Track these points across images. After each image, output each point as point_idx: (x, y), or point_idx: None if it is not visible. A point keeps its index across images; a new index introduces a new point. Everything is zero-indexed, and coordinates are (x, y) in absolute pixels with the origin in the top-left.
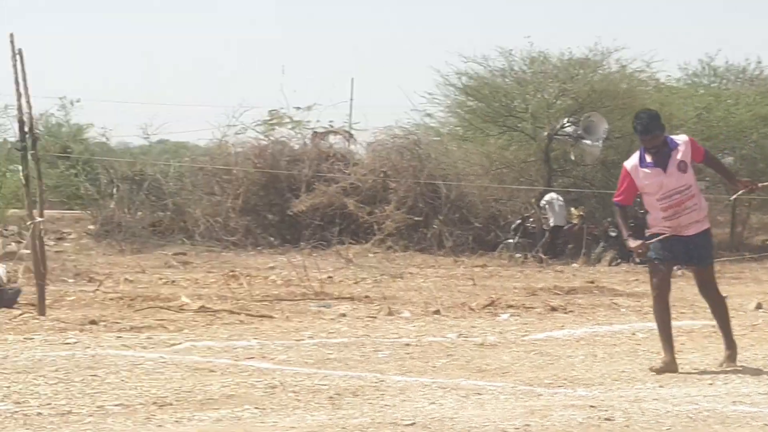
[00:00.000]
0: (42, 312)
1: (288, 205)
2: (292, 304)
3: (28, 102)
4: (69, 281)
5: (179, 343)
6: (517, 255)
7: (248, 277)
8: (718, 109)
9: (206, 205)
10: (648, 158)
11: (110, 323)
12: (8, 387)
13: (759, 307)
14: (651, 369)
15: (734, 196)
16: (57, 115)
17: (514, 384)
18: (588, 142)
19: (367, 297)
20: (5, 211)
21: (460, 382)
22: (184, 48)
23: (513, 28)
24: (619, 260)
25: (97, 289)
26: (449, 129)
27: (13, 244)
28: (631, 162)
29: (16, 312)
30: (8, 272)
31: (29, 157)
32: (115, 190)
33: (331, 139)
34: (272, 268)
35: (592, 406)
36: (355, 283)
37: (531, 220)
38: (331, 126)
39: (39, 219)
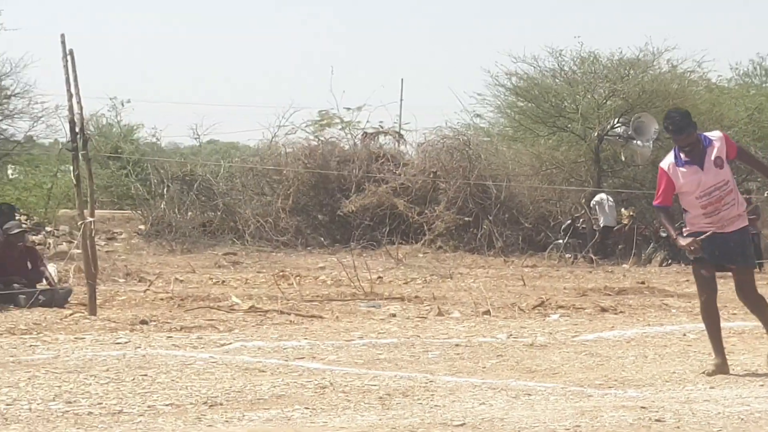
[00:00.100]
0: (93, 312)
1: (338, 206)
2: (342, 304)
3: (79, 103)
4: (120, 281)
5: (229, 343)
6: (567, 255)
7: (298, 277)
8: None
9: (256, 206)
10: (683, 156)
11: (161, 323)
12: (59, 386)
13: None
14: (704, 373)
15: None
16: (108, 116)
17: (564, 385)
18: (638, 142)
19: (417, 297)
20: (57, 211)
21: (510, 383)
22: (234, 49)
23: (563, 28)
24: (670, 261)
25: (147, 289)
26: (499, 129)
27: (64, 244)
28: (667, 162)
29: (68, 312)
30: (59, 272)
31: (80, 157)
32: (165, 191)
33: (381, 139)
34: (322, 268)
35: (642, 408)
36: (405, 283)
37: (581, 220)
38: (381, 126)
39: (90, 219)
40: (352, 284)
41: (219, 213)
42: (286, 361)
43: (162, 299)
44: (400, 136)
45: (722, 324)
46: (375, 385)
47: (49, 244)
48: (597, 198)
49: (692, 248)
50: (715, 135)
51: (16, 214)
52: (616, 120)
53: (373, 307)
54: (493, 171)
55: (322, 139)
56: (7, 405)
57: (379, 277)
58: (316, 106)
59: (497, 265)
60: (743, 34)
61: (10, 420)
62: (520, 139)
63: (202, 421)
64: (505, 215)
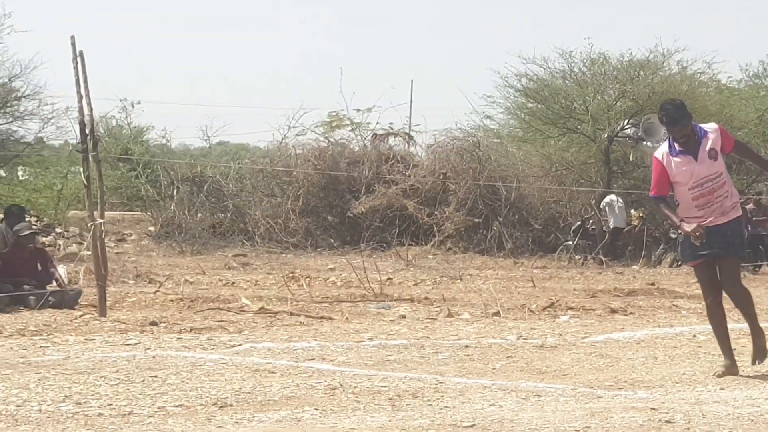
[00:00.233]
0: (103, 313)
1: (348, 207)
2: (352, 305)
3: (89, 104)
4: (130, 282)
5: (239, 345)
6: (577, 257)
7: (308, 279)
8: None
9: (266, 207)
10: (678, 147)
11: (171, 324)
12: (69, 388)
13: None
14: (714, 375)
15: None
16: (118, 117)
17: (574, 386)
18: (648, 143)
19: (426, 299)
20: (67, 213)
21: (520, 384)
22: (244, 51)
23: (573, 30)
24: (680, 262)
25: (157, 291)
26: (509, 131)
27: (74, 245)
28: (661, 151)
29: (77, 313)
30: (69, 273)
31: (90, 159)
32: (175, 192)
33: (391, 141)
34: (332, 269)
35: (652, 409)
36: (415, 284)
37: (591, 221)
38: (391, 128)
39: (100, 220)
40: (361, 285)
41: (229, 214)
42: (296, 362)
43: (172, 301)
44: (410, 137)
45: (732, 325)
46: (385, 387)
47: (59, 245)
48: (607, 199)
49: (697, 234)
50: (710, 127)
51: (26, 216)
52: (626, 121)
53: (383, 308)
54: (503, 172)
55: (331, 140)
56: (18, 406)
57: (389, 279)
58: (325, 108)
59: (507, 266)
60: (753, 36)
61: (21, 421)
62: (530, 141)
63: (211, 422)
64: (514, 216)
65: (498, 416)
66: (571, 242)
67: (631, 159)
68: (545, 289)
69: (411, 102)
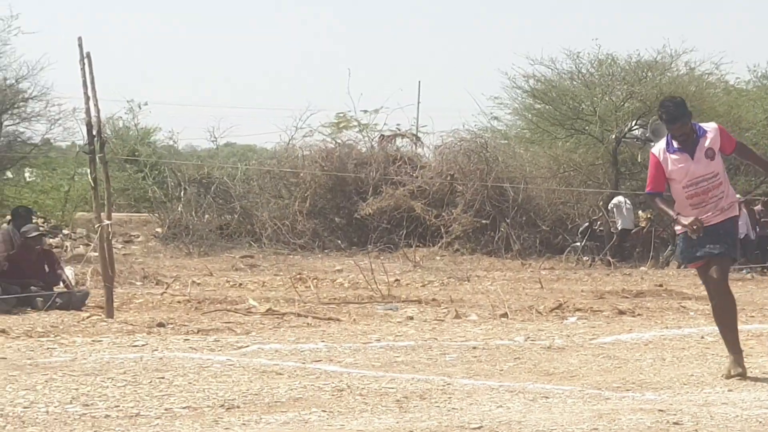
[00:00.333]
0: (110, 314)
1: (355, 208)
2: (360, 306)
3: (96, 105)
4: (137, 284)
5: (246, 346)
6: (585, 258)
7: (315, 280)
8: None
9: (273, 208)
10: (675, 144)
11: (178, 326)
12: (76, 389)
13: None
14: (722, 376)
15: None
16: (125, 119)
17: (582, 387)
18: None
19: (434, 300)
20: (74, 214)
21: (528, 386)
22: (252, 52)
23: (581, 31)
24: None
25: (164, 292)
26: (516, 132)
27: (81, 246)
28: (659, 147)
29: (85, 314)
30: (77, 275)
31: (97, 160)
32: (182, 193)
33: (398, 142)
34: (339, 270)
35: (660, 410)
36: (423, 286)
37: (599, 223)
38: (398, 129)
39: (107, 222)
40: (369, 287)
41: (236, 216)
42: (303, 363)
43: (179, 302)
44: (417, 138)
45: (741, 327)
46: (392, 388)
47: (66, 246)
48: (615, 200)
49: (694, 227)
50: (710, 126)
51: (33, 217)
52: (633, 122)
53: (391, 309)
54: (511, 173)
55: (339, 141)
56: (25, 408)
57: (397, 280)
58: (333, 109)
59: (514, 267)
60: (761, 37)
61: (28, 423)
62: (538, 142)
63: (219, 423)
64: (522, 218)
65: (506, 418)
66: (578, 243)
67: (638, 160)
68: (553, 290)
69: (418, 103)
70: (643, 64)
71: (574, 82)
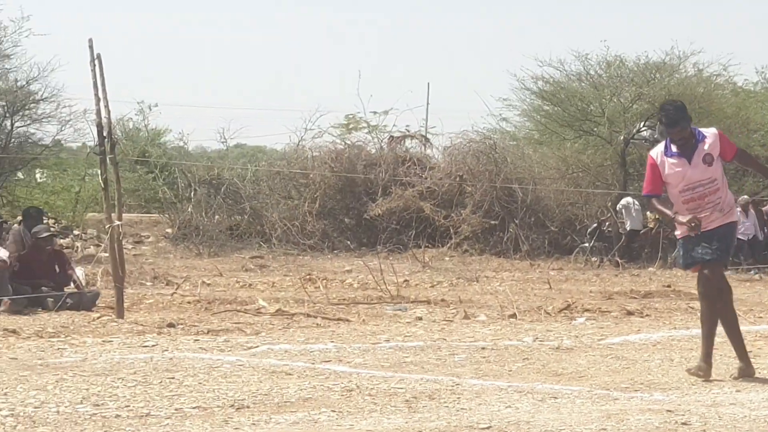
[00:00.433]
0: (120, 315)
1: (364, 209)
2: (369, 307)
3: (106, 107)
4: (147, 284)
5: (256, 346)
6: (594, 259)
7: (325, 281)
8: None
9: (283, 209)
10: (674, 148)
11: (188, 326)
12: (87, 389)
13: None
14: (731, 377)
15: None
16: (135, 120)
17: (590, 388)
18: None
19: (443, 300)
20: (84, 215)
21: (536, 386)
22: (261, 53)
23: (589, 32)
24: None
25: (174, 293)
26: (525, 133)
27: (92, 247)
28: (657, 150)
29: (95, 315)
30: (87, 275)
31: (108, 161)
32: (192, 194)
33: (408, 143)
34: (349, 271)
35: (668, 411)
36: (432, 286)
37: (607, 224)
38: (408, 130)
39: (117, 222)
40: (378, 287)
41: (246, 216)
42: (313, 364)
43: (189, 302)
44: (427, 139)
45: (749, 327)
46: (401, 388)
47: (77, 247)
48: (623, 201)
49: (693, 225)
50: (709, 132)
51: (44, 218)
52: (642, 123)
53: (400, 310)
54: (519, 174)
55: (348, 142)
56: (35, 408)
57: (406, 281)
58: (342, 110)
59: (523, 268)
60: None
61: (38, 423)
62: (546, 143)
63: (229, 423)
64: (531, 219)
65: (514, 418)
66: (587, 244)
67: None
68: (561, 291)
69: (427, 104)
70: (651, 66)
71: (583, 84)
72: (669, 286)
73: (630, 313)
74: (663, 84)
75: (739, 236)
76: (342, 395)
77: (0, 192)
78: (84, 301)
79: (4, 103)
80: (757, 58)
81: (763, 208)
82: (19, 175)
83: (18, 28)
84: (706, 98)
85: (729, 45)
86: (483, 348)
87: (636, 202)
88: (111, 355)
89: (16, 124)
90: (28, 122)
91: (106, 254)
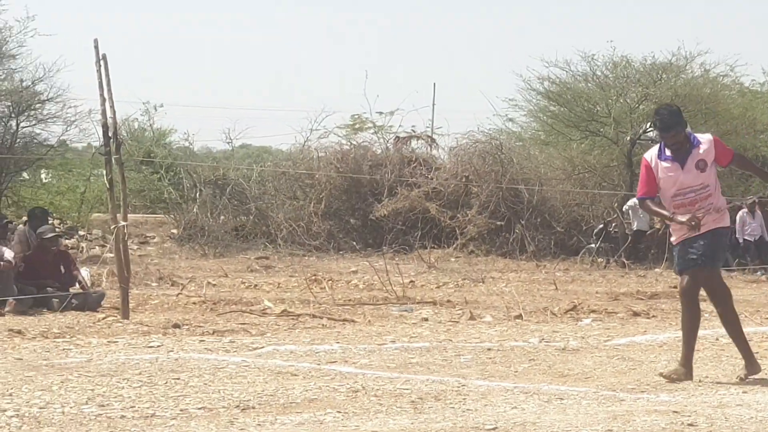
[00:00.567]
0: (126, 315)
1: (370, 210)
2: (375, 308)
3: (112, 107)
4: (152, 285)
5: (262, 347)
6: (600, 260)
7: (330, 282)
8: None
9: (289, 210)
10: (668, 152)
11: (193, 327)
12: (92, 390)
13: None
14: (738, 378)
15: None
16: (140, 120)
17: (597, 389)
18: None
19: (449, 301)
20: (90, 215)
21: (542, 387)
22: (267, 52)
23: (596, 33)
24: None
25: (180, 293)
26: (531, 134)
27: (97, 248)
28: (651, 153)
29: (100, 315)
30: (92, 276)
31: (113, 161)
32: (198, 195)
33: (414, 143)
34: (354, 272)
35: (675, 412)
36: (437, 287)
37: (613, 224)
38: (414, 131)
39: (123, 223)
40: (384, 288)
41: (251, 217)
42: (319, 364)
43: (194, 303)
44: (433, 140)
45: (756, 329)
46: (407, 389)
47: (82, 248)
48: (630, 202)
49: (692, 223)
50: (704, 137)
51: (49, 218)
52: (648, 124)
53: (406, 311)
54: (526, 175)
55: (354, 143)
56: (41, 408)
57: (411, 281)
58: (348, 110)
59: (529, 269)
60: None
61: (44, 423)
62: (553, 144)
63: (234, 424)
64: (537, 219)
65: (520, 419)
66: (593, 245)
67: None
68: (567, 292)
69: (433, 105)
70: (657, 66)
71: (589, 84)
72: (675, 287)
73: (636, 314)
74: (669, 85)
75: (746, 237)
76: (347, 396)
77: (5, 192)
78: (89, 302)
79: (9, 104)
80: (764, 59)
81: None
82: (25, 175)
83: (23, 29)
84: (713, 99)
85: (736, 45)
86: (489, 349)
87: None
88: (116, 356)
89: (22, 125)
90: (34, 122)
91: (112, 255)
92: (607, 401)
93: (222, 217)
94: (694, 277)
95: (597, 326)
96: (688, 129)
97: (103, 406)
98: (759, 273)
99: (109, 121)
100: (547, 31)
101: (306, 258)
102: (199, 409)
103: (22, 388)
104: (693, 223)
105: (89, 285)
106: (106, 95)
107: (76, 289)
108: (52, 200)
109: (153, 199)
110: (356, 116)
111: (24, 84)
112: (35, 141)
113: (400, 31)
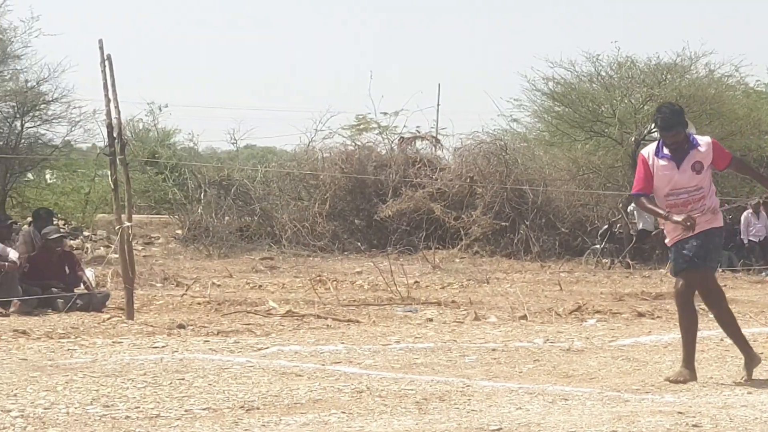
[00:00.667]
0: (130, 316)
1: (375, 210)
2: (379, 308)
3: (116, 107)
4: (157, 285)
5: (266, 348)
6: (604, 260)
7: (335, 282)
8: None
9: (293, 210)
10: (665, 150)
11: (198, 327)
12: (97, 390)
13: None
14: (742, 379)
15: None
16: (145, 121)
17: (601, 389)
18: None
19: (453, 302)
20: (94, 216)
21: (547, 388)
22: (271, 53)
23: (600, 33)
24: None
25: (184, 294)
26: (536, 134)
27: (101, 248)
28: (648, 150)
29: (105, 316)
30: (97, 276)
31: (118, 162)
32: (202, 195)
33: (418, 144)
34: (359, 272)
35: (679, 413)
36: (442, 288)
37: (618, 225)
38: (418, 131)
39: (127, 223)
40: (388, 289)
41: (256, 218)
42: (323, 365)
43: (199, 304)
44: (437, 140)
45: (761, 329)
46: (412, 390)
47: (87, 248)
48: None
49: (688, 223)
50: (703, 140)
51: (54, 219)
52: (653, 125)
53: (410, 311)
54: (530, 176)
55: (359, 143)
56: (45, 409)
57: (416, 282)
58: (353, 111)
59: (534, 269)
60: None
61: (48, 424)
62: (557, 144)
63: (239, 425)
64: (541, 220)
65: (525, 420)
66: (598, 246)
67: None
68: (572, 292)
69: (438, 105)
70: (662, 67)
71: (594, 85)
72: None
73: (641, 315)
74: (674, 85)
75: (751, 238)
76: (352, 397)
77: (10, 193)
78: (94, 302)
79: (14, 104)
80: None
81: None
82: (29, 176)
83: (28, 29)
84: (718, 99)
85: (740, 46)
86: (493, 349)
87: None
88: (121, 356)
89: (26, 125)
90: (38, 123)
91: (116, 255)
92: (612, 402)
93: (226, 218)
94: (688, 279)
95: (601, 327)
96: (693, 130)
97: (107, 406)
98: (763, 274)
99: (114, 121)
100: (551, 32)
101: (310, 258)
102: (204, 409)
103: (27, 388)
104: (688, 223)
105: (94, 285)
106: (110, 96)
107: (80, 289)
108: (57, 201)
109: (157, 200)
110: (361, 117)
111: (29, 84)
112: (40, 141)
113: (405, 31)
